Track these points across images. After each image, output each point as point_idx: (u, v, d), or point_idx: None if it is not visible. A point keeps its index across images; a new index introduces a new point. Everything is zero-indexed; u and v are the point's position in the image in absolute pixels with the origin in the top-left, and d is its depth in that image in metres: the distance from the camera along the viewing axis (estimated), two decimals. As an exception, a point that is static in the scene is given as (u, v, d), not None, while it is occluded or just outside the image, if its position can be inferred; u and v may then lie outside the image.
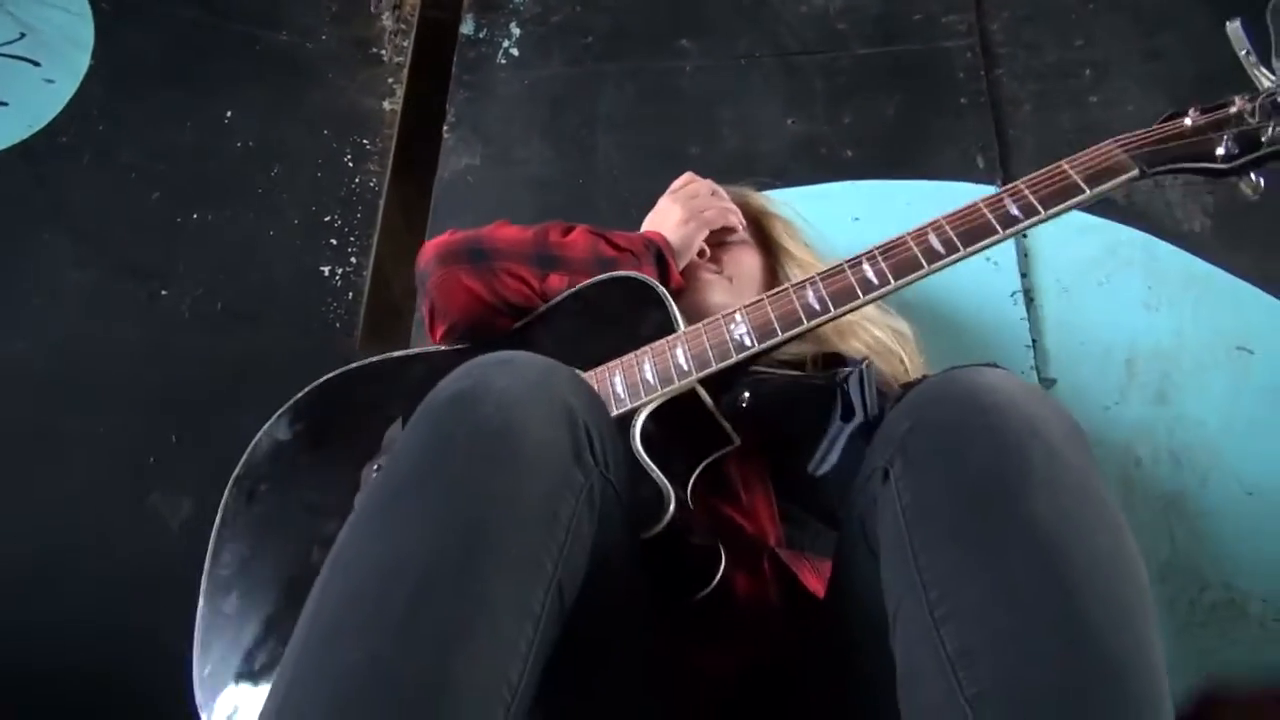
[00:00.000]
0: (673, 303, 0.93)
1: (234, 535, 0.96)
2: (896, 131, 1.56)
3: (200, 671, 0.87)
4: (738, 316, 0.86)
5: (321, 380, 1.06)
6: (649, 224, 1.10)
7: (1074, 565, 0.53)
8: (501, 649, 0.54)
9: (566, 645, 0.61)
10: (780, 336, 0.84)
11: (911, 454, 0.62)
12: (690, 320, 0.91)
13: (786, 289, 0.86)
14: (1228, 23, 0.82)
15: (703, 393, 0.87)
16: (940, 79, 1.58)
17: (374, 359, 1.08)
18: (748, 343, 0.85)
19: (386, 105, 1.71)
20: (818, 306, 0.84)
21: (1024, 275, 1.40)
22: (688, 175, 1.17)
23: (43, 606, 1.25)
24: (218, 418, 1.37)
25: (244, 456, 1.01)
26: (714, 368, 0.85)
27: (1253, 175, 0.79)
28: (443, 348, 1.06)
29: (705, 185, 1.14)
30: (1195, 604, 1.19)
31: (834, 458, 0.90)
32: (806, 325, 0.83)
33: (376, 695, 0.49)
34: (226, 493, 0.98)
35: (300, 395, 1.04)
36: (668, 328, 0.91)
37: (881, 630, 0.62)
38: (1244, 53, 0.80)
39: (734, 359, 0.85)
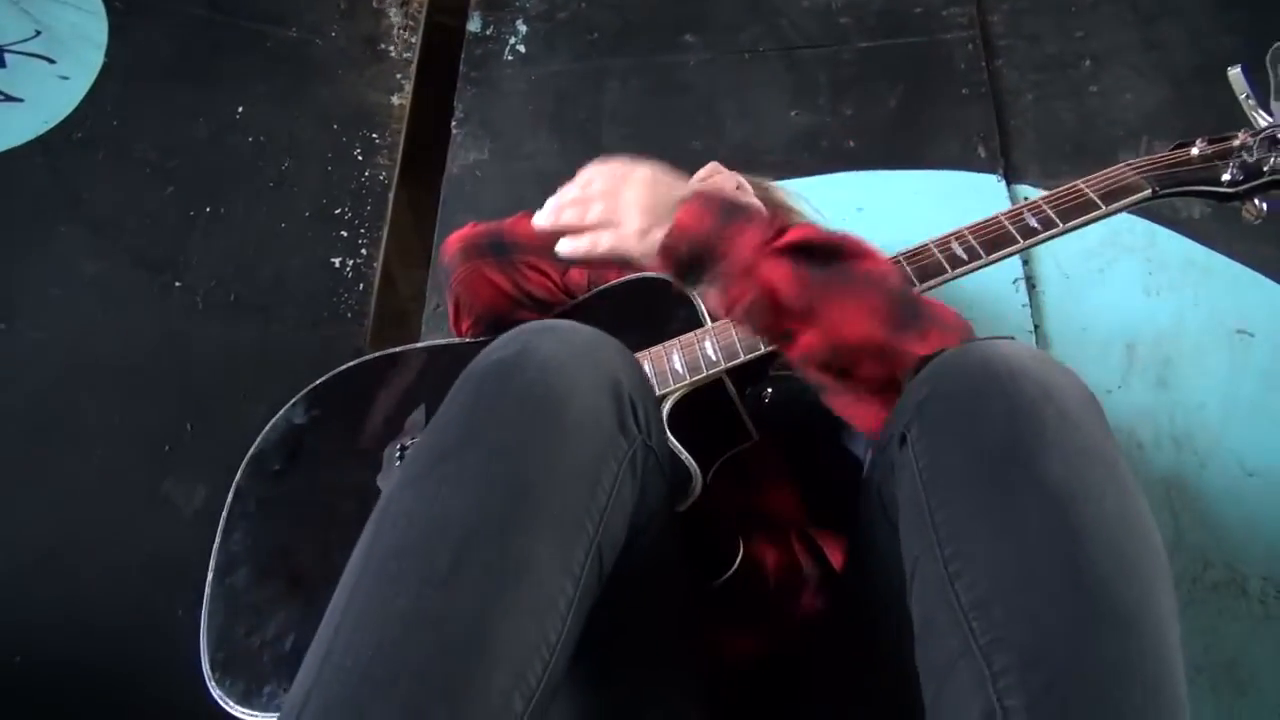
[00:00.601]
0: (699, 299, 0.95)
1: (246, 512, 0.97)
2: (899, 122, 1.57)
3: (210, 646, 0.88)
4: None
5: (342, 368, 1.07)
6: None
7: (1083, 520, 0.54)
8: (541, 605, 0.55)
9: (603, 610, 0.62)
10: None
11: (928, 419, 0.63)
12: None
13: None
14: (1229, 70, 0.87)
15: (729, 384, 0.89)
16: (941, 70, 1.59)
17: (396, 349, 1.09)
18: None
19: (395, 100, 1.73)
20: None
21: (1025, 263, 1.42)
22: (712, 166, 1.16)
23: (59, 591, 1.26)
24: (231, 407, 1.39)
25: (259, 438, 1.02)
26: (742, 359, 0.87)
27: (1256, 201, 0.84)
28: (467, 339, 1.07)
29: (730, 179, 1.14)
30: (1198, 582, 1.20)
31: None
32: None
33: (422, 640, 0.51)
34: (240, 471, 0.99)
35: (319, 381, 1.06)
36: (695, 323, 0.94)
37: (900, 592, 0.63)
38: (1244, 96, 0.86)
39: (761, 351, 0.87)
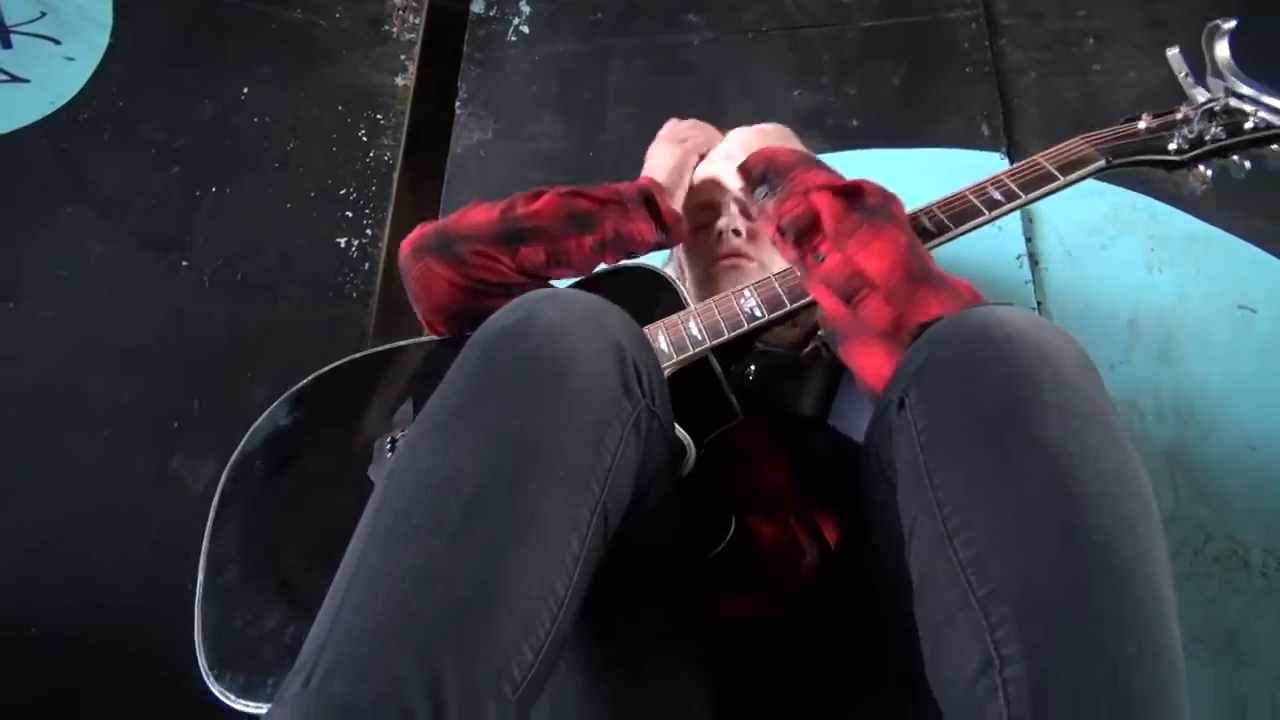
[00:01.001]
0: (679, 283, 0.97)
1: (234, 512, 0.97)
2: (902, 101, 1.58)
3: (207, 644, 0.86)
4: (746, 292, 0.91)
5: (323, 370, 1.07)
6: (643, 175, 1.08)
7: (1080, 479, 0.55)
8: (549, 561, 0.56)
9: (608, 569, 0.63)
10: (789, 307, 0.89)
11: (927, 384, 0.64)
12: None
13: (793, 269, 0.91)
14: (1168, 50, 0.94)
15: (714, 363, 0.91)
16: (945, 49, 1.60)
17: (376, 349, 1.10)
18: (758, 314, 0.89)
19: (399, 81, 1.74)
20: None
21: (1028, 239, 1.42)
22: (669, 121, 1.16)
23: (70, 568, 1.28)
24: (239, 384, 1.40)
25: (243, 440, 1.02)
26: (726, 337, 0.89)
27: (1200, 167, 0.91)
28: (450, 336, 1.08)
29: (685, 122, 1.13)
30: (1199, 554, 1.21)
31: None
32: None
33: (433, 593, 0.52)
34: (225, 474, 0.99)
35: (301, 384, 1.06)
36: (678, 307, 0.95)
37: (899, 552, 0.64)
38: (1183, 74, 0.94)
39: (745, 328, 0.89)
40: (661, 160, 1.06)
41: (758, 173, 0.90)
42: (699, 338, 0.89)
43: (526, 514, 0.56)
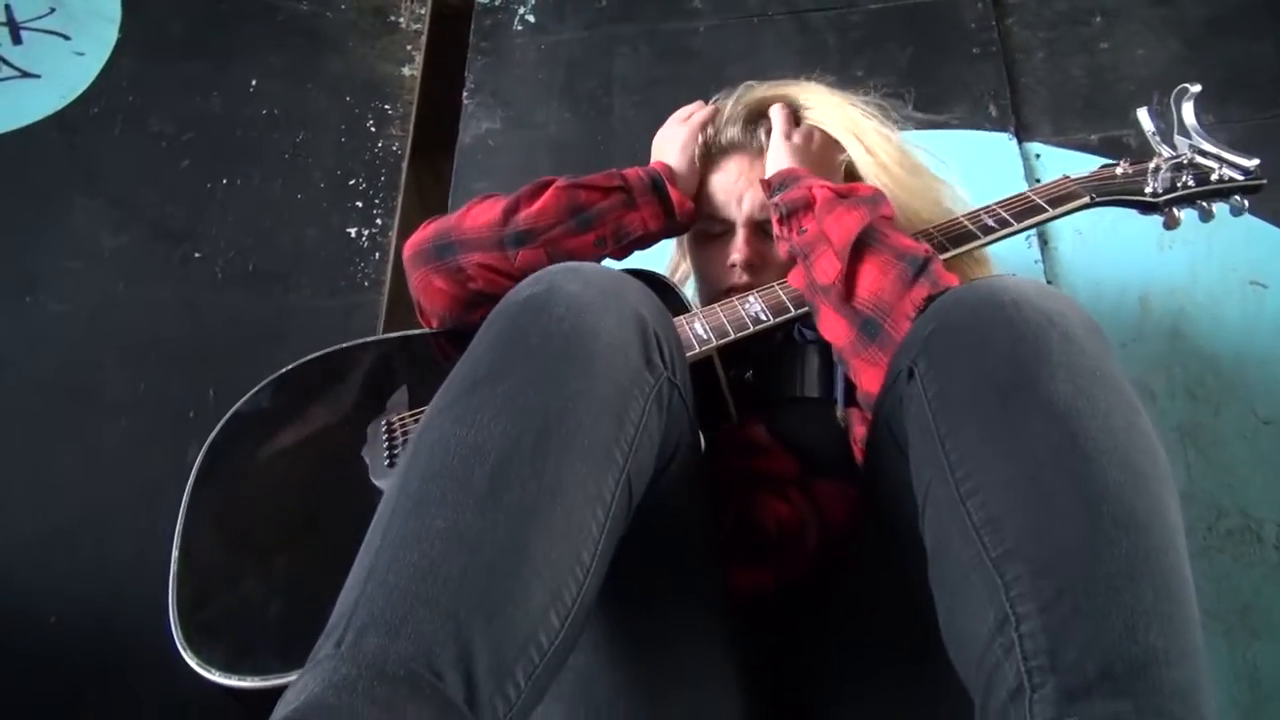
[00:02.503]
0: (681, 288, 0.99)
1: (219, 488, 0.97)
2: (910, 83, 1.57)
3: (181, 617, 0.85)
4: (751, 298, 0.93)
5: (311, 356, 1.08)
6: (654, 160, 1.07)
7: (1091, 436, 0.55)
8: (574, 529, 0.57)
9: (632, 540, 0.64)
10: (793, 312, 0.92)
11: (935, 352, 0.64)
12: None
13: None
14: (1137, 110, 1.05)
15: (718, 363, 0.91)
16: (952, 30, 1.60)
17: (368, 339, 1.11)
18: (763, 318, 0.92)
19: (406, 71, 1.74)
20: None
21: (1038, 218, 1.42)
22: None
23: (90, 557, 1.29)
24: (253, 373, 1.39)
25: (221, 422, 1.02)
26: (732, 337, 0.90)
27: (1174, 210, 1.01)
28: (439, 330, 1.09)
29: (693, 105, 1.10)
30: (1212, 530, 1.21)
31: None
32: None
33: (462, 560, 0.52)
34: (201, 454, 0.99)
35: (288, 368, 1.07)
36: (682, 310, 0.96)
37: (913, 520, 0.65)
38: (1150, 133, 1.04)
39: (750, 330, 0.91)
40: (669, 143, 1.04)
41: (777, 182, 0.94)
42: (705, 337, 0.91)
43: (551, 483, 0.56)
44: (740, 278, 0.99)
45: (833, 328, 0.84)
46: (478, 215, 0.98)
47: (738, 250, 0.99)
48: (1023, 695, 0.50)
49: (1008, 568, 0.54)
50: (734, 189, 1.01)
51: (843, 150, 1.01)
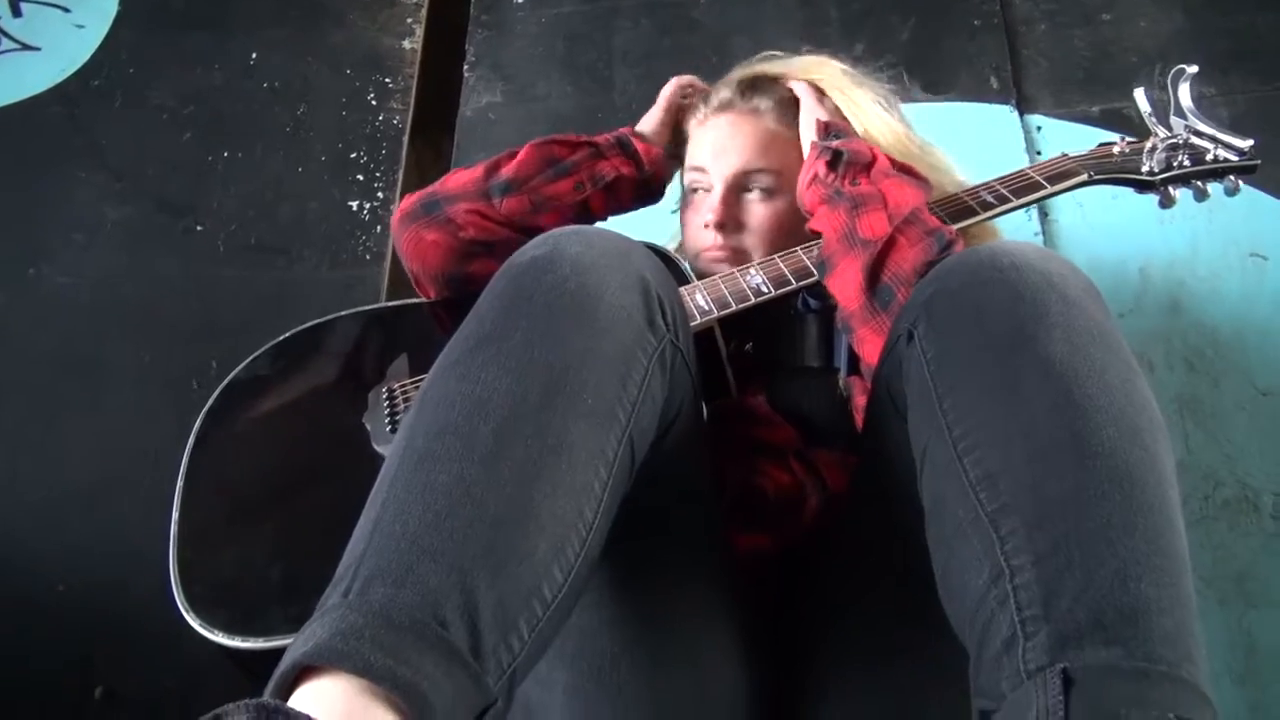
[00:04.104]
0: (683, 261, 0.99)
1: (217, 454, 0.98)
2: (911, 55, 1.57)
3: (183, 580, 0.86)
4: (752, 270, 0.94)
5: (308, 324, 1.09)
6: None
7: (1087, 393, 0.56)
8: (577, 486, 0.57)
9: (634, 501, 0.64)
10: (794, 284, 0.93)
11: (935, 314, 0.65)
12: None
13: (796, 251, 0.95)
14: (1135, 90, 1.06)
15: (719, 335, 0.92)
16: (953, 1, 1.59)
17: (365, 308, 1.12)
18: (764, 290, 0.93)
19: (406, 44, 1.74)
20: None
21: (1039, 191, 1.42)
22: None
23: (95, 526, 1.30)
24: (255, 345, 1.39)
25: (219, 389, 1.03)
26: (734, 308, 0.91)
27: (1170, 189, 1.03)
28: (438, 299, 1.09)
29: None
30: (1209, 500, 1.22)
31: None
32: (818, 276, 0.92)
33: (466, 513, 0.53)
34: (200, 419, 1.00)
35: (285, 335, 1.08)
36: (683, 281, 0.97)
37: (910, 482, 0.65)
38: (1147, 113, 1.05)
39: (751, 302, 0.92)
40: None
41: (834, 130, 0.97)
42: (706, 308, 0.91)
43: (555, 440, 0.57)
44: (714, 240, 0.99)
45: (848, 286, 0.86)
46: (459, 176, 1.03)
47: (711, 210, 0.99)
48: (1016, 644, 0.50)
49: (1003, 522, 0.54)
50: (719, 144, 1.02)
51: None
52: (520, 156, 1.00)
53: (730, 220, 1.00)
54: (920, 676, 0.73)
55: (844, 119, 1.02)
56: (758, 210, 1.00)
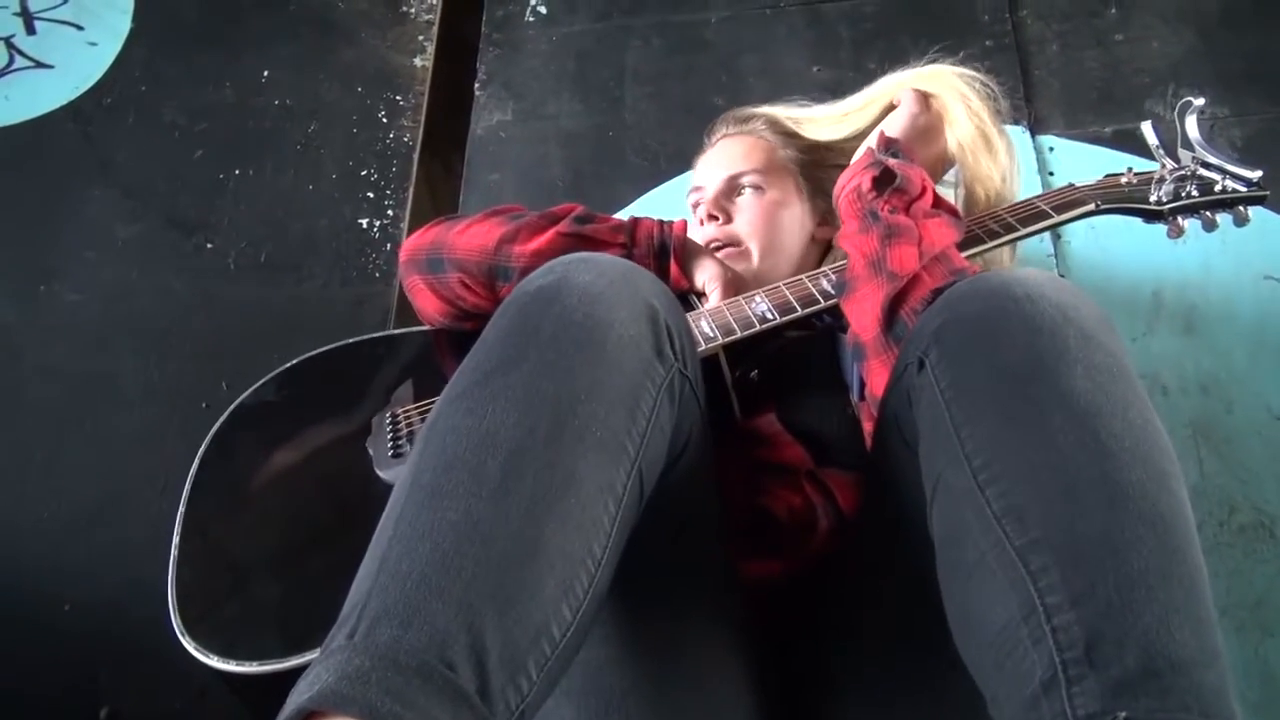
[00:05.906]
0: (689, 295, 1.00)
1: (222, 478, 0.99)
2: (922, 75, 1.57)
3: (179, 604, 0.86)
4: (758, 298, 0.95)
5: (314, 352, 1.11)
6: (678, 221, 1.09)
7: (1112, 432, 0.56)
8: (587, 521, 0.57)
9: (642, 535, 0.64)
10: (800, 312, 0.94)
11: (947, 343, 0.64)
12: None
13: (802, 279, 0.97)
14: (1141, 124, 1.08)
15: (724, 362, 0.92)
16: (965, 22, 1.59)
17: (368, 336, 1.14)
18: (770, 317, 0.94)
19: (418, 62, 1.74)
20: (832, 291, 0.96)
21: (1051, 212, 1.42)
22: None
23: (103, 545, 1.29)
24: (266, 364, 1.39)
25: (226, 413, 1.05)
26: (738, 335, 0.92)
27: (1179, 219, 1.04)
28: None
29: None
30: (1224, 525, 1.21)
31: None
32: (823, 304, 0.94)
33: (474, 551, 0.52)
34: (205, 444, 1.01)
35: (292, 363, 1.10)
36: (687, 309, 0.96)
37: (918, 514, 0.65)
38: (1155, 145, 1.06)
39: (757, 328, 0.92)
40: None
41: (894, 148, 0.97)
42: (711, 335, 0.91)
43: (563, 475, 0.56)
44: (711, 234, 1.05)
45: (865, 315, 0.85)
46: (475, 235, 0.98)
47: (708, 199, 1.07)
48: (1057, 686, 0.49)
49: (1033, 557, 0.54)
50: (710, 163, 1.12)
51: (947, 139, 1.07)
52: (541, 243, 0.94)
53: (721, 212, 1.06)
54: (932, 709, 0.72)
55: (941, 129, 1.06)
56: (748, 203, 1.07)
